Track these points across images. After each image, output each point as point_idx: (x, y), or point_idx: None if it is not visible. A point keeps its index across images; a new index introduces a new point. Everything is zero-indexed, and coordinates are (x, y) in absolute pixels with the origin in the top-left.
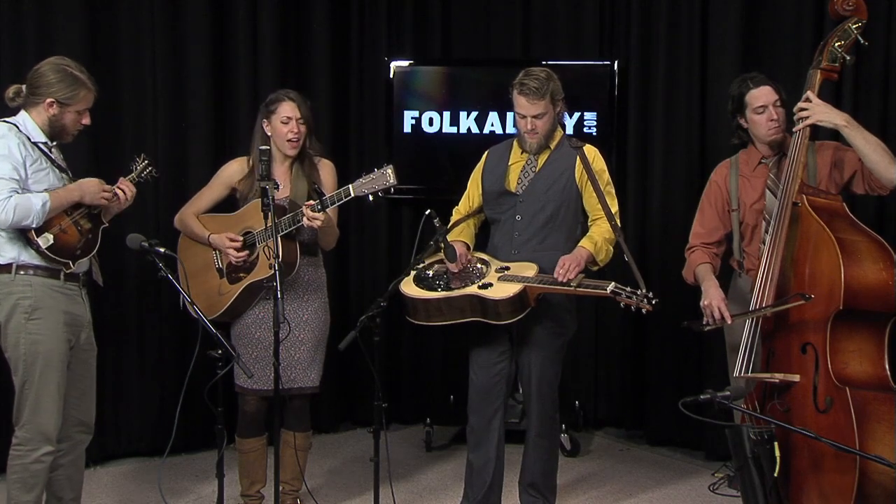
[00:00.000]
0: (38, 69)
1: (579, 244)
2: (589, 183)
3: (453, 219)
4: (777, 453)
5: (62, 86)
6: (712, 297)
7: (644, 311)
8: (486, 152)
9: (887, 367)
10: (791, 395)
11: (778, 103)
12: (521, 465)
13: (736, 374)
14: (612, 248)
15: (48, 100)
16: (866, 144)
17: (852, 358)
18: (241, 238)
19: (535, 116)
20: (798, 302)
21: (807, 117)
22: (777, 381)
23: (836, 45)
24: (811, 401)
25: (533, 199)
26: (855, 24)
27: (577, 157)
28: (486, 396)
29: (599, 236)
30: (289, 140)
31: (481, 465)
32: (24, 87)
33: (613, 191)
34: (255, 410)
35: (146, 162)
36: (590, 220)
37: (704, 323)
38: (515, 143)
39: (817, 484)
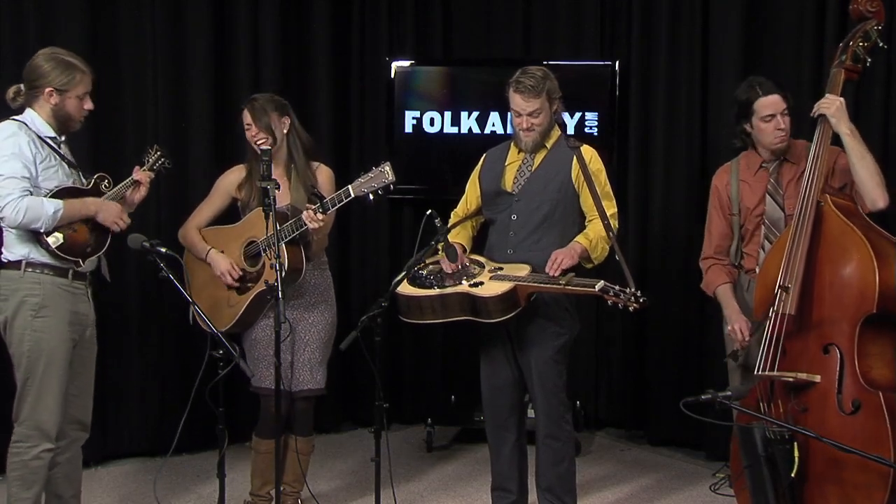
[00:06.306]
0: (30, 63)
1: (574, 240)
2: (585, 183)
3: (451, 221)
4: (796, 454)
5: (57, 73)
6: (734, 322)
7: (631, 309)
8: (484, 154)
9: None
10: (810, 395)
11: (785, 112)
12: (535, 467)
13: (756, 371)
14: (607, 247)
15: (47, 89)
16: (862, 159)
17: (876, 361)
18: (241, 272)
19: (530, 114)
20: (803, 380)
21: (827, 107)
22: (792, 379)
23: (861, 45)
24: (834, 402)
25: (528, 199)
26: (875, 26)
27: (574, 157)
28: (499, 395)
29: (595, 234)
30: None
31: (501, 457)
32: (21, 86)
33: (611, 191)
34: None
35: (159, 153)
36: (587, 220)
37: (736, 350)
38: (513, 143)
39: (839, 489)
